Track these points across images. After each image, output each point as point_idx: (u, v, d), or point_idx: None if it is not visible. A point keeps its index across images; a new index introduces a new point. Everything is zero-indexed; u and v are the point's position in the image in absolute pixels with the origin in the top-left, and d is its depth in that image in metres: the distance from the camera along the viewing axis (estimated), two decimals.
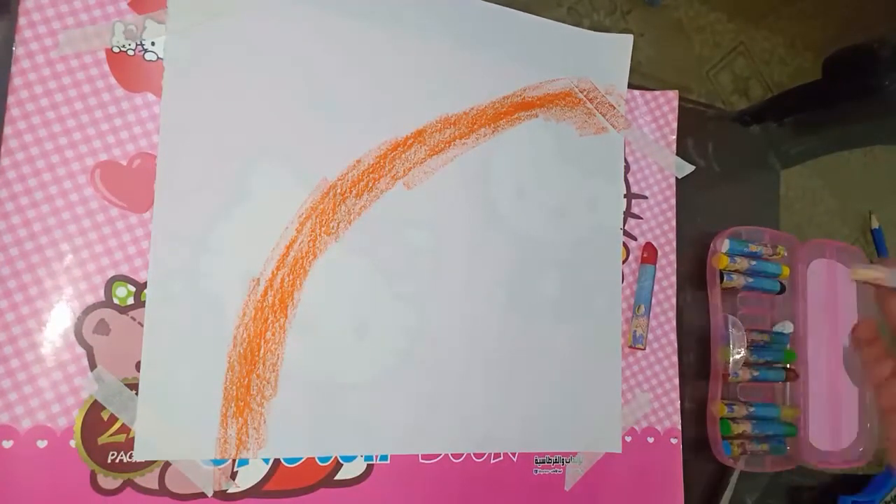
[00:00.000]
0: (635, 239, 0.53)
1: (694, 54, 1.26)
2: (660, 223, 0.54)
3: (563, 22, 0.52)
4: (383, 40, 0.46)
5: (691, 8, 1.27)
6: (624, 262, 0.52)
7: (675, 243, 0.54)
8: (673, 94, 0.55)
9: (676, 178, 0.54)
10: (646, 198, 0.53)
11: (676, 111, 0.55)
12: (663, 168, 0.54)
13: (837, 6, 1.27)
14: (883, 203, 1.24)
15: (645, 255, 0.52)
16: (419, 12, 0.47)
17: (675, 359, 0.52)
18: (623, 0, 1.21)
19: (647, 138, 0.54)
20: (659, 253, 0.53)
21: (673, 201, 0.54)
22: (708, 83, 1.27)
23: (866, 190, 1.26)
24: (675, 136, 0.54)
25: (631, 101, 0.53)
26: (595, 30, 0.53)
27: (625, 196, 0.53)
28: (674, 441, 0.52)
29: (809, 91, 0.59)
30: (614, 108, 0.52)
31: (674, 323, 0.53)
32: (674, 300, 0.53)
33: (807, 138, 0.64)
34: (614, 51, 0.53)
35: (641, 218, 0.53)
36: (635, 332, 0.51)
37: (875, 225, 1.19)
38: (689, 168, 0.55)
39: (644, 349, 0.51)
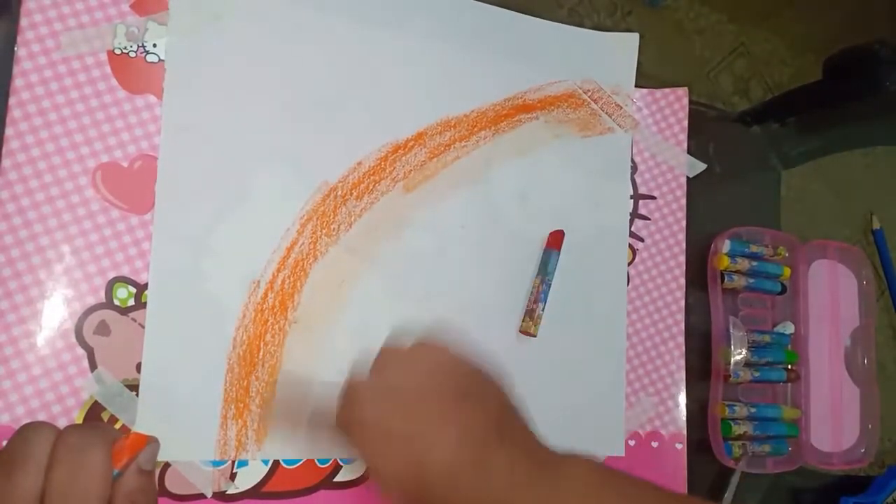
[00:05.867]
0: (642, 240, 0.52)
1: (695, 55, 1.26)
2: (668, 224, 0.53)
3: (564, 23, 0.52)
4: (385, 42, 0.46)
5: (692, 9, 1.27)
6: (630, 263, 0.52)
7: (684, 244, 0.53)
8: (682, 92, 0.54)
9: (687, 177, 0.54)
10: (654, 198, 0.53)
11: (686, 109, 0.54)
12: (673, 167, 0.54)
13: (838, 7, 1.27)
14: (884, 204, 1.23)
15: (550, 241, 0.49)
16: (420, 15, 0.47)
17: (682, 362, 0.52)
18: (624, 1, 1.21)
19: (656, 137, 0.53)
20: (668, 254, 0.53)
21: (683, 201, 0.54)
22: (709, 84, 1.27)
23: (867, 191, 1.26)
24: (685, 135, 0.54)
25: (639, 101, 0.53)
26: (597, 31, 0.53)
27: (632, 197, 0.53)
28: (678, 446, 0.51)
29: (810, 92, 0.59)
30: (621, 107, 0.52)
31: (682, 325, 0.53)
32: (682, 302, 0.53)
33: (808, 139, 0.63)
34: (620, 50, 0.53)
35: (650, 219, 0.53)
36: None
37: (876, 226, 1.19)
38: (701, 166, 0.54)
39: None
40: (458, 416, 0.31)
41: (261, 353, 0.41)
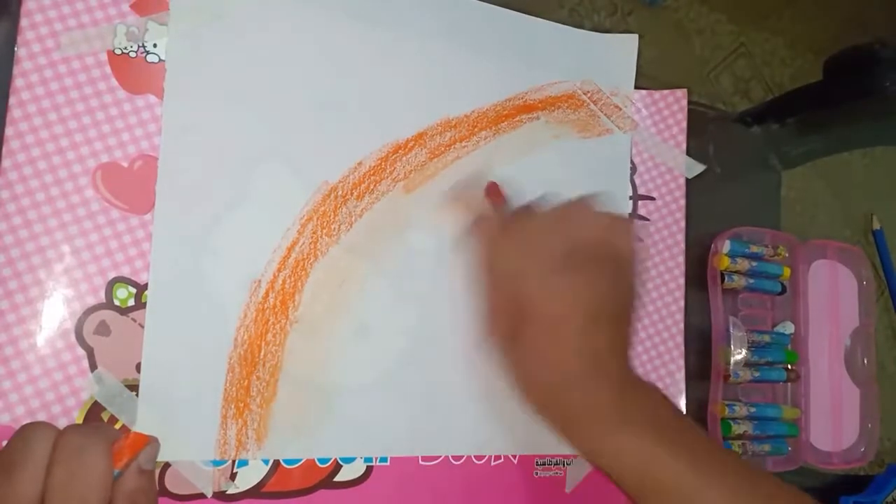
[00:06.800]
0: (641, 241, 0.53)
1: (695, 56, 1.26)
2: (668, 224, 0.53)
3: (565, 24, 0.52)
4: (385, 42, 0.46)
5: (692, 9, 1.27)
6: None
7: (683, 245, 0.53)
8: (681, 94, 0.55)
9: (686, 178, 0.54)
10: (653, 199, 0.53)
11: (686, 110, 0.54)
12: (672, 168, 0.54)
13: (838, 7, 1.27)
14: (884, 204, 1.23)
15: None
16: (421, 14, 0.47)
17: (681, 362, 0.52)
18: (624, 1, 1.21)
19: (655, 139, 0.53)
20: (667, 255, 0.53)
21: (682, 202, 0.54)
22: (709, 84, 1.27)
23: (868, 191, 1.26)
24: (684, 136, 0.54)
25: (638, 102, 0.53)
26: (597, 31, 0.53)
27: (631, 198, 0.53)
28: None
29: (810, 92, 0.59)
30: (620, 109, 0.52)
31: (681, 325, 0.53)
32: (682, 303, 0.53)
33: (808, 139, 0.64)
34: (620, 51, 0.53)
35: (649, 220, 0.53)
36: None
37: (876, 226, 1.19)
38: (700, 168, 0.54)
39: None
40: (589, 343, 0.34)
41: (262, 353, 0.41)
